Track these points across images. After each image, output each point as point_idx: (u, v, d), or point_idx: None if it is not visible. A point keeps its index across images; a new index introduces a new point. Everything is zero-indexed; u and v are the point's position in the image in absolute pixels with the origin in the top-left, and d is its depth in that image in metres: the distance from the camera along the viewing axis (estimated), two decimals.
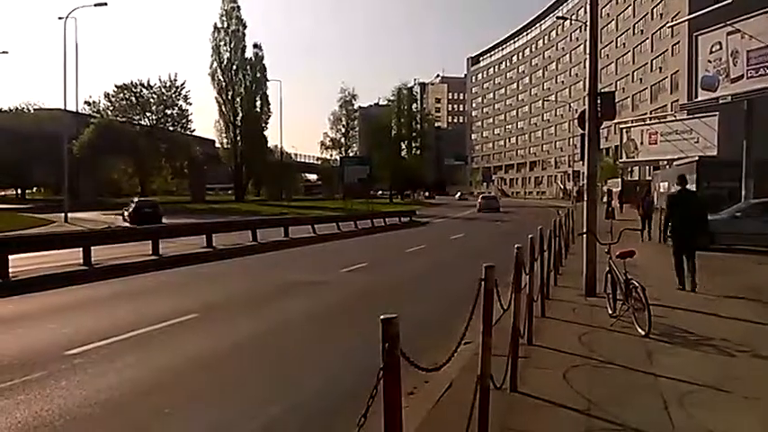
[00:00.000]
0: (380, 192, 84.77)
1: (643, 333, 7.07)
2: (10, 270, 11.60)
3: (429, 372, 3.13)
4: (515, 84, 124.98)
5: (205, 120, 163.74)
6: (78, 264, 13.28)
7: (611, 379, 5.63)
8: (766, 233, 16.62)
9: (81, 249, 13.56)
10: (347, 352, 6.89)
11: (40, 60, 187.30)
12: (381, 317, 2.36)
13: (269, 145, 77.06)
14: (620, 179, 58.12)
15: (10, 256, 11.73)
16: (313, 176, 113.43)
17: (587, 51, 11.07)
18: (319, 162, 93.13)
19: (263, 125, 74.71)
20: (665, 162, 38.75)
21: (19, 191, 73.66)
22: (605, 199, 38.69)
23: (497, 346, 4.59)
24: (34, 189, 76.19)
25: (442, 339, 6.17)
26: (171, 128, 62.60)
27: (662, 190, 33.48)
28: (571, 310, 8.69)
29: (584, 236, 10.36)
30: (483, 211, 46.71)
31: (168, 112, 62.39)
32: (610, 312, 8.19)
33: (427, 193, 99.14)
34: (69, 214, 32.24)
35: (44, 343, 7.17)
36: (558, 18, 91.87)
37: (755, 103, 22.35)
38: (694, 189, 18.15)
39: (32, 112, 68.72)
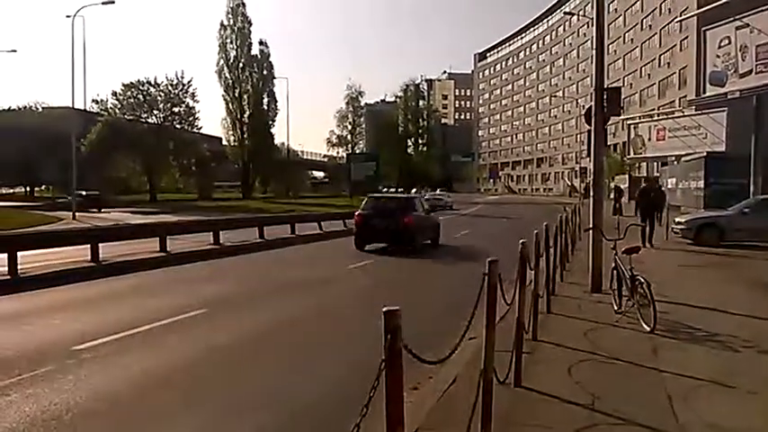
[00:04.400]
0: (386, 188, 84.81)
1: (648, 329, 7.06)
2: (19, 267, 11.69)
3: (432, 365, 3.15)
4: (522, 80, 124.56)
5: (212, 117, 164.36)
6: (86, 260, 13.36)
7: (615, 374, 5.63)
8: None
9: (89, 246, 13.64)
10: (354, 345, 6.91)
11: (48, 59, 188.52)
12: (383, 309, 2.38)
13: (276, 142, 77.36)
14: (627, 175, 57.92)
15: (19, 253, 11.82)
16: (320, 174, 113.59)
17: (594, 47, 11.03)
18: (326, 159, 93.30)
19: (270, 122, 74.94)
20: (673, 158, 38.54)
21: (28, 188, 74.14)
22: (612, 195, 38.50)
23: (502, 342, 4.60)
24: (43, 187, 76.65)
25: (448, 334, 6.18)
26: (178, 126, 62.75)
27: (670, 186, 33.35)
28: (577, 306, 8.69)
29: (590, 232, 10.34)
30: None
31: (175, 110, 62.53)
32: (615, 308, 8.18)
33: (430, 190, 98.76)
34: (77, 212, 32.44)
35: (52, 338, 7.23)
36: (565, 14, 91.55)
37: (764, 98, 22.20)
38: (654, 185, 21.07)
39: (41, 110, 69.20)
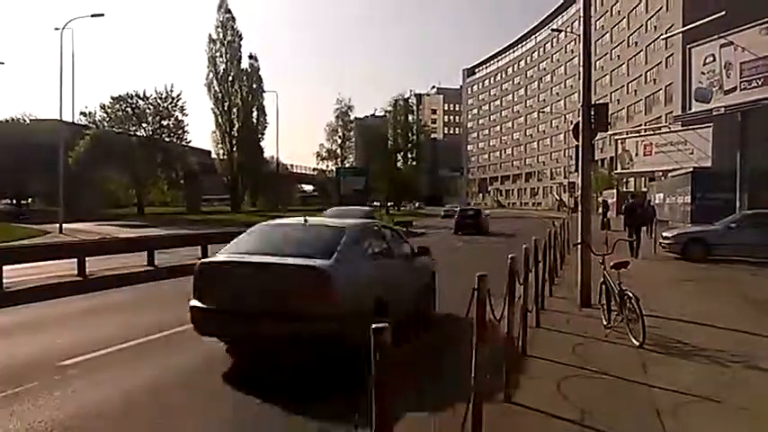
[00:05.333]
0: (375, 202, 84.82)
1: (637, 343, 7.08)
2: (4, 281, 11.56)
3: (422, 380, 3.13)
4: (511, 95, 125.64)
5: (201, 130, 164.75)
6: (73, 274, 13.23)
7: (605, 389, 5.64)
8: (762, 244, 16.69)
9: (76, 260, 13.52)
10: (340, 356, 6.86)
11: (36, 71, 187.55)
12: (372, 326, 2.37)
13: (265, 156, 77.28)
14: (615, 190, 58.36)
15: (4, 267, 11.69)
16: (309, 187, 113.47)
17: (581, 63, 11.16)
18: (315, 173, 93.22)
19: (260, 136, 74.94)
20: (660, 173, 38.90)
21: (14, 201, 73.46)
22: (600, 210, 38.76)
23: (492, 357, 4.59)
24: (29, 200, 75.99)
25: (438, 348, 6.16)
26: (167, 139, 62.60)
27: (657, 201, 33.61)
28: (566, 321, 8.70)
29: (579, 247, 10.39)
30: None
31: (164, 123, 62.40)
32: (604, 323, 8.21)
33: (417, 204, 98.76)
34: (64, 225, 32.14)
35: (37, 354, 7.14)
36: (552, 30, 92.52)
37: (749, 114, 22.51)
38: (641, 201, 23.08)
39: (28, 122, 68.68)
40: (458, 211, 34.09)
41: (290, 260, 6.47)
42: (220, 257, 7.27)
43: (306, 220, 7.89)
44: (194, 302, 6.81)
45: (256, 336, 6.44)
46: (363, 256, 7.28)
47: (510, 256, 5.57)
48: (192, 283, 7.00)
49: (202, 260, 7.74)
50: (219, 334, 6.98)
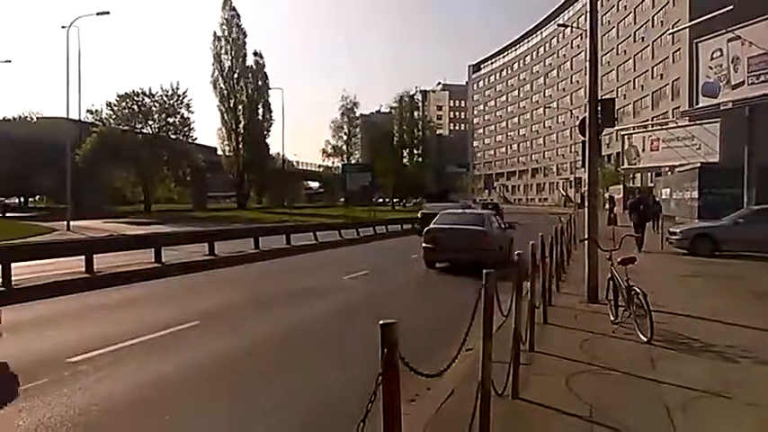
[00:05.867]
0: (381, 199, 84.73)
1: (645, 339, 7.05)
2: (13, 278, 11.62)
3: (430, 378, 3.13)
4: (516, 91, 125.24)
5: (207, 128, 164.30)
6: (81, 272, 13.30)
7: (613, 386, 5.62)
8: None
9: (83, 257, 13.58)
10: (349, 358, 6.88)
11: (43, 69, 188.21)
12: (380, 322, 2.36)
13: (271, 152, 77.39)
14: (621, 186, 58.12)
15: (13, 264, 11.76)
16: (315, 184, 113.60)
17: (587, 59, 11.11)
18: (321, 169, 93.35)
19: (265, 133, 75.00)
20: (667, 168, 38.67)
21: (22, 199, 73.89)
22: (607, 206, 38.59)
23: (499, 353, 4.59)
24: (37, 197, 76.41)
25: (445, 346, 6.16)
26: (173, 136, 62.77)
27: (664, 196, 33.44)
28: (573, 317, 8.68)
29: (586, 242, 10.36)
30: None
31: (170, 120, 62.57)
32: (612, 319, 8.18)
33: (416, 200, 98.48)
34: (72, 222, 32.30)
35: (46, 350, 7.17)
36: (558, 26, 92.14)
37: (757, 109, 22.34)
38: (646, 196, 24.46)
39: (35, 120, 69.07)
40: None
41: (470, 227, 15.19)
42: (434, 227, 15.56)
43: (463, 211, 18.88)
44: (425, 245, 15.32)
45: (457, 259, 14.87)
46: (492, 226, 15.91)
47: (517, 252, 5.55)
48: (423, 237, 15.68)
49: (429, 227, 15.82)
50: (439, 260, 15.45)
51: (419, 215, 28.83)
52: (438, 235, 15.07)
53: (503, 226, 17.25)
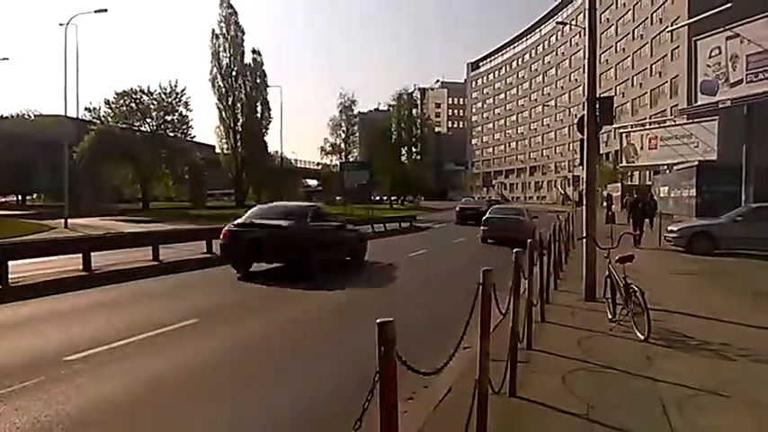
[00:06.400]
0: (378, 197, 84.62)
1: (643, 337, 7.07)
2: (9, 276, 11.60)
3: (427, 376, 3.13)
4: (515, 89, 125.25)
5: (205, 125, 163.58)
6: (78, 269, 13.27)
7: (610, 384, 5.63)
8: (767, 237, 16.64)
9: (81, 255, 13.55)
10: (346, 356, 6.88)
11: (40, 67, 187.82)
12: (377, 321, 2.36)
13: (269, 150, 77.26)
14: (619, 184, 58.14)
15: (10, 262, 11.73)
16: (313, 182, 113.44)
17: (586, 57, 11.10)
18: (319, 167, 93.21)
19: (264, 131, 74.79)
20: (665, 166, 38.71)
21: (19, 197, 73.73)
22: (605, 204, 38.60)
23: (497, 351, 4.59)
24: (35, 195, 76.25)
25: (442, 344, 6.16)
26: (171, 134, 62.68)
27: (662, 194, 33.47)
28: (570, 315, 8.69)
29: (584, 240, 10.37)
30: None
31: (168, 118, 62.45)
32: (609, 317, 8.19)
33: (414, 198, 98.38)
34: (69, 220, 32.27)
35: (43, 349, 7.16)
36: (557, 23, 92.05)
37: (755, 107, 22.36)
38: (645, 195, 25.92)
39: (33, 118, 68.86)
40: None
41: (512, 216, 24.04)
42: (490, 216, 24.09)
43: (506, 206, 33.57)
44: (484, 227, 23.43)
45: (502, 239, 21.07)
46: (525, 217, 24.14)
47: (515, 250, 5.55)
48: (483, 222, 23.76)
49: (486, 217, 24.18)
50: (492, 237, 22.72)
51: (457, 208, 41.87)
52: (491, 222, 23.69)
53: (530, 217, 25.08)
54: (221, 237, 14.03)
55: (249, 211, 15.42)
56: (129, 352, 7.05)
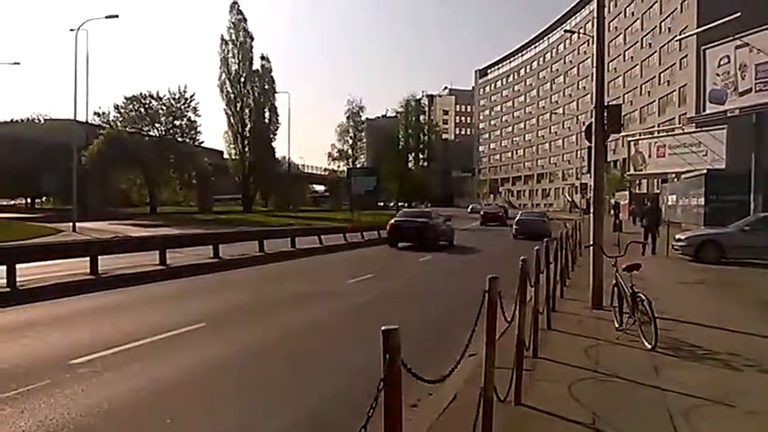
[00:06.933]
0: (383, 203, 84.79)
1: (650, 346, 7.02)
2: (18, 279, 11.66)
3: (432, 384, 3.12)
4: (523, 96, 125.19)
5: (214, 130, 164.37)
6: (85, 273, 13.32)
7: (616, 392, 5.59)
8: None
9: (88, 258, 13.61)
10: (353, 362, 6.87)
11: (51, 71, 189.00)
12: (382, 328, 2.36)
13: (277, 156, 77.58)
14: (627, 192, 57.93)
15: (18, 265, 11.79)
16: (320, 187, 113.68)
17: (594, 65, 11.09)
18: (327, 173, 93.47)
19: (272, 136, 75.24)
20: (674, 175, 38.53)
21: (29, 200, 74.21)
22: (612, 212, 38.45)
23: (503, 359, 4.57)
24: (44, 198, 76.76)
25: (449, 350, 6.14)
26: (180, 139, 63.04)
27: (670, 203, 33.31)
28: (577, 323, 8.65)
29: (591, 248, 10.33)
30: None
31: (177, 123, 62.91)
32: (616, 325, 8.14)
33: (422, 204, 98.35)
34: (78, 224, 32.45)
35: (49, 352, 7.19)
36: (565, 31, 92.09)
37: (764, 116, 22.24)
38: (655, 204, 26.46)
39: (43, 122, 69.43)
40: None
41: (537, 218, 33.60)
42: (520, 218, 33.52)
43: (532, 212, 43.76)
44: (515, 226, 32.05)
45: (531, 234, 27.60)
46: (547, 219, 34.17)
47: (522, 258, 5.54)
48: (514, 224, 32.83)
49: (517, 218, 33.73)
50: (522, 235, 30.05)
51: (481, 213, 51.83)
52: (522, 222, 32.25)
53: (548, 219, 34.01)
54: (387, 227, 25.35)
55: (399, 213, 29.74)
56: (134, 356, 7.05)
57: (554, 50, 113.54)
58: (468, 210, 68.97)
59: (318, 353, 7.59)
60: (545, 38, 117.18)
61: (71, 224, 32.28)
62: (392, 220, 25.29)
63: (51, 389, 5.68)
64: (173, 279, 14.28)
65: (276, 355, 7.47)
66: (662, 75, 70.11)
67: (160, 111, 62.29)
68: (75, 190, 35.01)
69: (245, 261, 18.09)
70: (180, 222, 42.20)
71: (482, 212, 52.06)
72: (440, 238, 24.69)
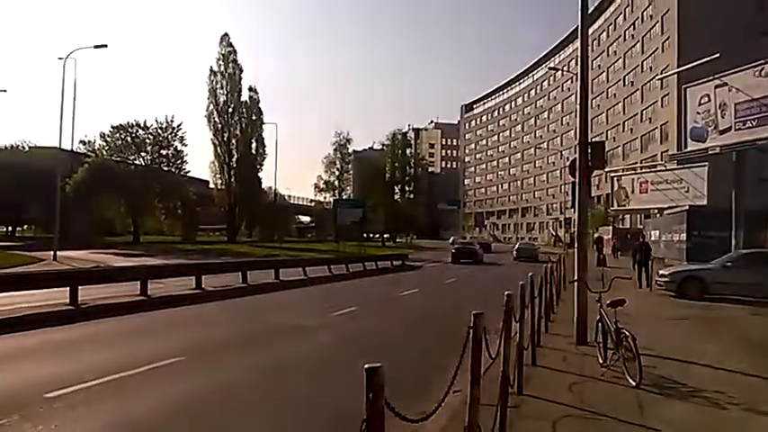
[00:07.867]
0: (369, 234, 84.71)
1: (634, 383, 6.99)
2: None
3: (415, 423, 3.05)
4: (508, 131, 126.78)
5: (200, 160, 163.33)
6: (65, 303, 13.08)
7: (601, 430, 5.53)
8: (758, 283, 16.67)
9: (68, 288, 13.37)
10: (333, 399, 6.75)
11: (38, 99, 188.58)
12: (365, 366, 2.31)
13: (263, 186, 77.49)
14: (611, 227, 58.45)
15: None
16: (306, 218, 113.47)
17: (578, 102, 11.27)
18: (313, 204, 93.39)
19: (258, 167, 75.19)
20: (656, 210, 39.02)
21: (9, 228, 73.22)
22: (595, 246, 38.78)
23: (487, 395, 4.51)
24: (26, 227, 75.83)
25: (432, 388, 6.07)
26: (165, 168, 62.83)
27: (653, 238, 33.63)
28: (562, 359, 8.60)
29: (575, 284, 10.34)
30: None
31: (163, 152, 62.78)
32: (600, 362, 8.11)
33: (412, 236, 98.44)
34: (59, 252, 31.99)
35: (23, 385, 6.99)
36: (550, 69, 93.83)
37: (743, 154, 22.68)
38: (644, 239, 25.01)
39: (28, 149, 69.01)
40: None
41: (531, 247, 50.56)
42: (518, 246, 50.09)
43: (527, 242, 62.32)
44: (515, 251, 47.61)
45: (527, 258, 42.82)
46: (537, 247, 54.49)
47: (506, 293, 5.51)
48: (514, 250, 48.20)
49: (516, 247, 49.80)
50: (520, 258, 44.19)
51: (476, 244, 49.04)
52: (520, 249, 47.15)
53: (538, 247, 50.59)
54: (452, 250, 42.67)
55: (463, 239, 62.36)
56: (110, 390, 6.87)
57: (539, 87, 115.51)
58: (450, 242, 69.03)
59: (300, 390, 7.45)
60: (530, 74, 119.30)
61: (52, 253, 31.80)
62: (453, 248, 43.16)
63: (24, 423, 5.51)
64: (154, 310, 14.06)
65: (256, 390, 7.32)
66: (644, 112, 71.49)
67: (146, 140, 62.18)
68: (58, 218, 34.62)
69: (227, 292, 17.89)
70: (163, 252, 41.80)
71: (453, 249, 43.16)
72: (479, 257, 41.40)
